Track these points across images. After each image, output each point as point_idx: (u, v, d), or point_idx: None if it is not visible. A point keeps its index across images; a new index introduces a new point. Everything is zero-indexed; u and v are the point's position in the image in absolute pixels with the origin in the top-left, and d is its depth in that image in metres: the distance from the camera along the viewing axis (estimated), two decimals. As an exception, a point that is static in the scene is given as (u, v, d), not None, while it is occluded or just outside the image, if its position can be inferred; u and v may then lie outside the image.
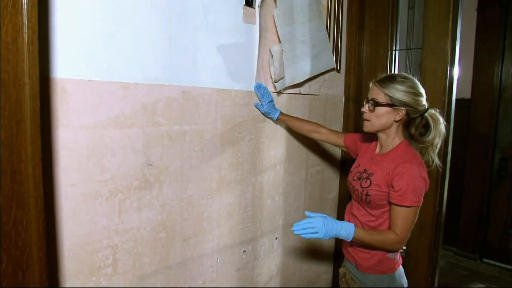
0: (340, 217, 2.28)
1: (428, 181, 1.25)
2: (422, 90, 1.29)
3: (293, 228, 1.22)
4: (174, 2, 1.30)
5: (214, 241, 1.57)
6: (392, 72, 2.09)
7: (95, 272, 1.19)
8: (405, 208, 1.22)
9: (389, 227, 1.28)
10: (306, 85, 1.89)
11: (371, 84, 1.34)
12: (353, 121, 2.14)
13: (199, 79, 1.43)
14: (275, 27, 1.63)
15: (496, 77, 3.08)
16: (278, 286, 1.95)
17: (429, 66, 1.86)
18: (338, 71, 2.08)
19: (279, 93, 1.73)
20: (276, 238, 1.89)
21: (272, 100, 1.65)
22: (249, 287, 1.76)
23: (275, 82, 1.68)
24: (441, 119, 1.28)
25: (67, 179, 1.10)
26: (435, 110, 1.30)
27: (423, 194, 1.24)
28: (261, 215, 1.78)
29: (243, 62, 1.59)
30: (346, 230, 1.21)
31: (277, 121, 1.74)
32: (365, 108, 1.31)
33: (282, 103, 1.79)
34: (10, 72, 0.92)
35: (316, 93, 1.98)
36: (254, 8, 1.59)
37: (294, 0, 1.67)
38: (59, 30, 1.03)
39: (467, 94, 3.19)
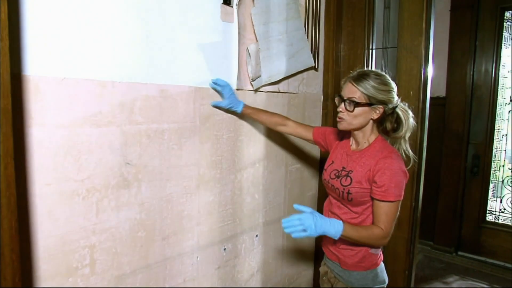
0: (320, 211, 2.31)
1: (407, 174, 1.28)
2: (394, 85, 1.31)
3: (283, 225, 1.22)
4: (150, 1, 1.30)
5: (194, 239, 1.57)
6: (369, 71, 2.14)
7: (72, 273, 1.17)
8: (388, 203, 1.24)
9: (373, 223, 1.29)
10: (285, 83, 1.92)
11: (343, 81, 1.34)
12: (332, 119, 2.18)
13: (178, 77, 1.42)
14: (253, 25, 1.65)
15: (468, 76, 3.19)
16: (259, 284, 1.96)
17: (404, 65, 1.91)
18: (317, 69, 2.11)
19: (256, 91, 1.75)
20: (257, 235, 1.91)
21: (233, 93, 1.56)
22: (230, 286, 1.77)
23: (252, 81, 1.69)
24: (410, 113, 1.31)
25: (43, 179, 1.08)
26: (404, 104, 1.33)
27: (404, 188, 1.27)
28: (241, 213, 1.79)
29: (222, 61, 1.59)
30: (334, 227, 1.20)
31: (242, 115, 1.65)
32: (341, 107, 1.31)
33: (260, 101, 1.80)
34: (-20, 69, 0.89)
35: (295, 92, 2.00)
36: (232, 7, 1.59)
37: (271, -1, 1.69)
38: (31, 26, 1.01)
39: (442, 93, 3.29)
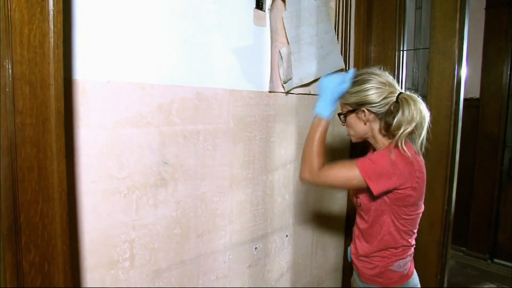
0: (350, 216, 2.30)
1: (394, 169, 1.13)
2: (375, 81, 1.21)
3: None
4: (189, 7, 1.35)
5: (226, 237, 1.61)
6: (400, 72, 2.11)
7: (113, 266, 1.24)
8: (353, 165, 1.16)
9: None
10: (315, 86, 1.93)
11: None
12: (362, 120, 2.17)
13: (212, 80, 1.47)
14: (284, 29, 1.68)
15: (505, 76, 3.08)
16: (288, 284, 1.98)
17: (437, 66, 1.88)
18: (347, 71, 2.11)
19: (287, 93, 1.77)
20: (287, 235, 1.93)
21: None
22: (260, 284, 1.80)
23: (284, 83, 1.72)
24: (413, 101, 1.14)
25: (88, 176, 1.15)
26: (411, 92, 1.21)
27: (381, 176, 1.13)
28: (272, 213, 1.82)
29: (254, 64, 1.63)
30: (325, 107, 1.23)
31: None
32: (341, 123, 1.35)
33: (291, 103, 1.83)
34: (37, 74, 0.97)
35: (325, 94, 2.01)
36: (264, 11, 1.63)
37: (302, 2, 1.72)
38: (80, 34, 1.09)
39: (476, 94, 3.20)
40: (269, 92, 1.70)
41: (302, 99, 1.88)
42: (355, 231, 1.40)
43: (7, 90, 0.93)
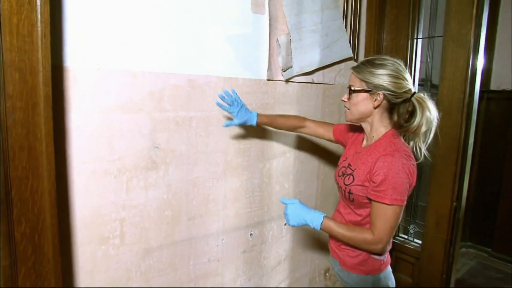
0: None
1: (413, 177, 1.15)
2: (405, 73, 1.19)
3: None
4: (180, -5, 1.38)
5: (219, 222, 1.66)
6: (414, 61, 2.02)
7: (104, 242, 1.33)
8: (384, 205, 1.12)
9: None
10: (319, 74, 1.90)
11: (350, 71, 1.28)
12: (371, 111, 2.11)
13: (206, 68, 1.50)
14: (285, 16, 1.66)
15: (541, 67, 2.83)
16: (287, 272, 2.00)
17: (450, 55, 1.78)
18: (356, 60, 2.05)
19: (287, 81, 1.76)
20: (285, 224, 1.94)
21: (242, 106, 1.49)
22: (255, 270, 1.84)
23: (283, 71, 1.71)
24: (430, 105, 1.16)
25: (79, 158, 1.23)
26: (424, 94, 1.19)
27: (407, 192, 1.13)
28: (269, 201, 1.83)
29: (252, 52, 1.63)
30: (313, 219, 1.21)
31: (257, 125, 1.53)
32: (344, 97, 1.27)
33: (292, 91, 1.81)
34: (27, 61, 1.05)
35: (331, 82, 1.98)
36: (263, -2, 1.62)
37: (304, -11, 1.68)
38: (70, 22, 1.16)
39: (508, 86, 2.96)
40: (268, 80, 1.70)
41: (304, 88, 1.86)
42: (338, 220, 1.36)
43: (-2, 75, 1.01)
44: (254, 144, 1.72)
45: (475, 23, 1.71)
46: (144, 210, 1.41)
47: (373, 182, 1.15)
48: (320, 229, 1.21)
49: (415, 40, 1.98)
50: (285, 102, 1.80)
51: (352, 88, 1.22)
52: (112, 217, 1.34)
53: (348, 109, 1.26)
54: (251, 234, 1.79)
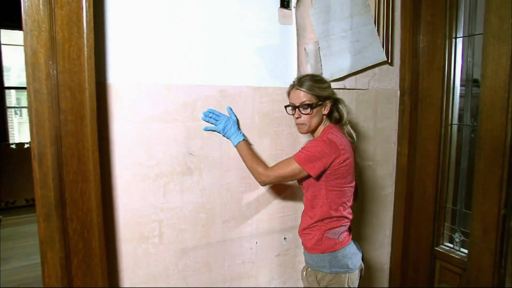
0: (397, 214, 2.20)
1: (327, 153, 1.35)
2: (329, 82, 1.52)
3: (203, 112, 1.53)
4: (211, 13, 1.50)
5: (252, 225, 1.72)
6: (453, 61, 1.93)
7: (144, 240, 1.46)
8: (292, 159, 1.39)
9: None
10: (351, 80, 1.90)
11: (288, 92, 1.50)
12: (409, 115, 2.05)
13: (236, 78, 1.60)
14: (312, 25, 1.71)
15: None
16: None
17: (491, 53, 1.68)
18: (391, 64, 2.02)
19: (317, 88, 1.80)
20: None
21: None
22: (290, 274, 1.86)
23: (312, 79, 1.75)
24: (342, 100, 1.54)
25: (121, 163, 1.39)
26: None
27: (314, 163, 1.36)
28: (302, 206, 1.86)
29: (280, 61, 1.70)
30: (234, 138, 1.53)
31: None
32: (298, 114, 1.44)
33: (324, 98, 1.84)
34: (76, 81, 1.23)
35: (364, 88, 1.97)
36: (291, 9, 1.69)
37: (331, -2, 1.72)
38: (112, 45, 1.32)
39: None
40: (298, 88, 1.74)
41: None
42: (302, 212, 1.57)
43: (53, 94, 1.20)
44: (286, 150, 1.77)
45: (518, 17, 1.61)
46: (180, 213, 1.53)
47: (301, 149, 1.43)
48: (235, 146, 1.53)
49: (453, 40, 1.90)
50: (316, 108, 1.83)
51: (309, 103, 1.41)
52: (151, 218, 1.47)
53: (303, 124, 1.45)
54: (285, 238, 1.83)
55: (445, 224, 2.07)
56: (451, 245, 2.03)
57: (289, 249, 1.85)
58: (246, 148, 1.51)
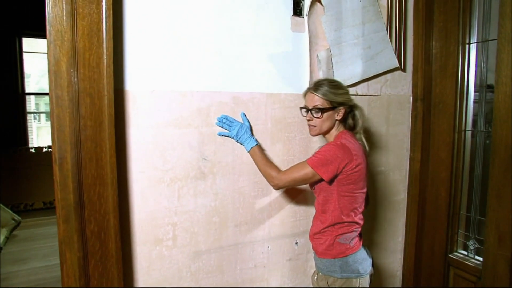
0: (409, 220, 2.18)
1: (340, 156, 1.37)
2: (347, 88, 1.52)
3: (217, 118, 1.57)
4: (222, 21, 1.54)
5: (265, 230, 1.74)
6: (467, 67, 1.93)
7: (158, 243, 1.50)
8: (305, 163, 1.42)
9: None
10: (364, 86, 1.91)
11: (303, 94, 1.53)
12: (421, 121, 2.05)
13: (249, 85, 1.63)
14: (324, 33, 1.73)
15: None
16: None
17: (506, 58, 1.67)
18: (404, 70, 2.02)
19: (329, 94, 1.81)
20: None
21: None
22: (301, 278, 1.87)
23: (324, 85, 1.76)
24: (363, 110, 1.55)
25: (137, 167, 1.43)
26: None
27: (327, 167, 1.37)
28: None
29: (293, 68, 1.73)
30: (248, 144, 1.56)
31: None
32: (309, 116, 1.48)
33: (335, 104, 1.86)
34: (95, 88, 1.28)
35: (376, 94, 1.97)
36: (303, 17, 1.71)
37: (343, 5, 1.74)
38: (129, 52, 1.37)
39: None
40: (310, 94, 1.77)
41: (347, 100, 1.89)
42: (313, 217, 1.58)
43: (74, 101, 1.25)
44: (298, 155, 1.79)
45: (532, 23, 1.60)
46: (193, 216, 1.56)
47: (314, 153, 1.45)
48: (248, 152, 1.57)
49: (466, 46, 1.89)
50: (328, 114, 1.84)
51: (321, 108, 1.44)
52: (166, 221, 1.51)
53: (314, 126, 1.48)
54: (296, 243, 1.84)
55: (459, 231, 2.05)
56: (466, 253, 2.01)
57: (301, 253, 1.86)
58: (259, 153, 1.55)
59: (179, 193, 1.52)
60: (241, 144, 1.60)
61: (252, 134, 1.61)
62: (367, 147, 1.52)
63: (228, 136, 1.60)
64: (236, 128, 1.57)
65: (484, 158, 1.92)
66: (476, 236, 1.97)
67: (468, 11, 1.89)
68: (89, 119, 1.28)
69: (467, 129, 1.97)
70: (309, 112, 1.47)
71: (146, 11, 1.39)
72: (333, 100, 1.43)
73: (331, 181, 1.42)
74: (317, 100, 1.44)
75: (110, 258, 1.37)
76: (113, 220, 1.35)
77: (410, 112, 2.11)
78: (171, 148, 1.49)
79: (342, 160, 1.37)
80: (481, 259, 1.90)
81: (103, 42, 1.27)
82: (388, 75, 1.99)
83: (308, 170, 1.40)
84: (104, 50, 1.28)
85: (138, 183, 1.44)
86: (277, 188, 1.52)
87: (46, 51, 1.23)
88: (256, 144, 1.57)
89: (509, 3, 1.67)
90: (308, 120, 1.50)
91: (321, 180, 1.42)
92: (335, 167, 1.38)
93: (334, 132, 1.51)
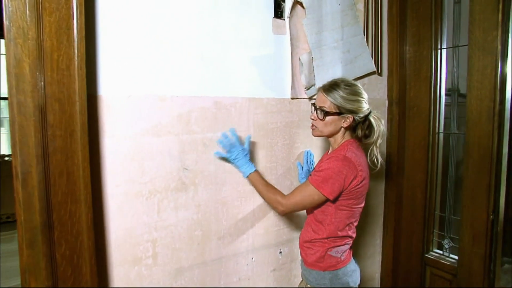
0: (387, 224, 2.21)
1: (344, 177, 1.28)
2: (365, 95, 1.38)
3: (222, 133, 1.49)
4: (205, 24, 1.44)
5: (249, 240, 1.66)
6: (439, 72, 1.99)
7: (137, 262, 1.36)
8: (310, 185, 1.32)
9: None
10: (343, 90, 1.90)
11: (317, 90, 1.43)
12: (397, 124, 2.08)
13: (231, 89, 1.54)
14: (306, 36, 1.69)
15: None
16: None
17: (476, 64, 1.74)
18: (380, 74, 2.05)
19: (310, 99, 1.78)
20: (315, 241, 1.92)
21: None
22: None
23: (307, 89, 1.73)
24: (382, 121, 1.39)
25: (113, 181, 1.29)
26: (377, 112, 1.41)
27: (333, 187, 1.28)
28: (298, 219, 1.82)
29: (275, 72, 1.67)
30: (245, 169, 1.48)
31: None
32: (314, 115, 1.39)
33: (316, 108, 1.83)
34: (65, 92, 1.13)
35: (355, 98, 1.97)
36: (284, 20, 1.66)
37: (324, 8, 1.72)
38: (103, 55, 1.23)
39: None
40: (292, 98, 1.72)
41: (328, 104, 1.87)
42: (306, 220, 1.51)
43: (40, 107, 1.09)
44: (281, 162, 1.73)
45: (501, 29, 1.67)
46: (175, 231, 1.45)
47: (315, 170, 1.37)
48: (247, 177, 1.48)
49: (439, 51, 1.95)
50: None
51: (326, 111, 1.35)
52: (145, 237, 1.38)
53: (317, 127, 1.40)
54: (280, 252, 1.78)
55: (434, 230, 2.10)
56: (441, 252, 2.07)
57: (285, 263, 1.80)
58: (259, 179, 1.47)
59: (159, 207, 1.40)
60: (236, 167, 1.51)
61: (250, 159, 1.51)
62: (378, 166, 1.39)
63: (225, 158, 1.51)
64: (235, 152, 1.48)
65: (457, 160, 1.99)
66: (451, 235, 2.03)
67: (439, 18, 1.95)
68: (58, 128, 1.13)
69: (440, 131, 2.03)
70: (316, 110, 1.39)
71: (122, 9, 1.26)
72: (341, 106, 1.33)
73: (335, 200, 1.33)
74: (325, 101, 1.35)
75: (84, 284, 1.21)
76: (87, 241, 1.20)
77: (386, 116, 2.14)
78: (149, 158, 1.36)
79: (347, 177, 1.29)
80: (456, 257, 1.96)
81: (73, 41, 1.13)
82: (366, 79, 2.00)
83: (311, 190, 1.32)
84: (75, 51, 1.13)
85: (114, 198, 1.30)
86: (283, 214, 1.44)
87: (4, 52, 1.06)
88: (255, 170, 1.49)
89: (477, 11, 1.74)
90: (312, 119, 1.42)
91: (327, 200, 1.33)
92: (340, 184, 1.29)
93: (339, 138, 1.41)
